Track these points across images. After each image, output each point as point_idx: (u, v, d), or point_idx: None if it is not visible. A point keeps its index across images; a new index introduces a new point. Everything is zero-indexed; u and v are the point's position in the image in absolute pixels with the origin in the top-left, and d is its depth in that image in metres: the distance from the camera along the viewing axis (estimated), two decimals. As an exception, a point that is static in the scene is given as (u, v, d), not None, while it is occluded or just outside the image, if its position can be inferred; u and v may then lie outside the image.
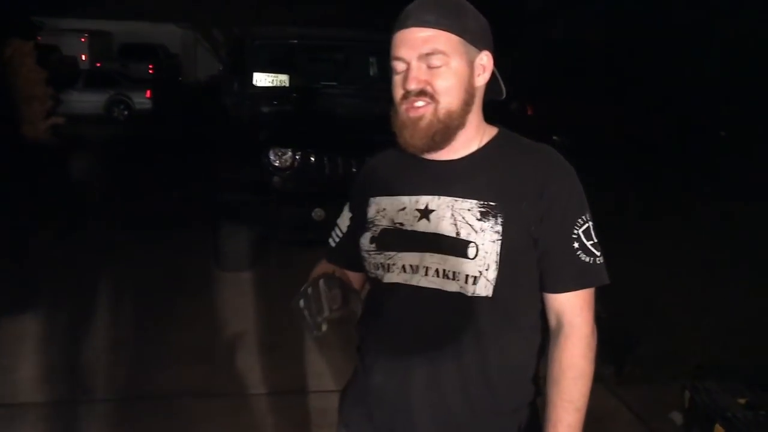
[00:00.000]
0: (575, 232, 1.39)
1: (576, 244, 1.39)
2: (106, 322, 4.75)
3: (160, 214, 7.46)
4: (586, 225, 1.41)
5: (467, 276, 1.36)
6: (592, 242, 1.41)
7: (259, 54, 6.37)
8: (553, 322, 1.42)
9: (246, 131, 6.12)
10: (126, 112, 18.16)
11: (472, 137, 1.44)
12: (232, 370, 4.11)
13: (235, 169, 5.87)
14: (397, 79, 1.40)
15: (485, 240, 1.35)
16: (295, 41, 6.79)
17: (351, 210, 1.58)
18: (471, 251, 1.36)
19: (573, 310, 1.40)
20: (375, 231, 1.46)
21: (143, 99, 18.36)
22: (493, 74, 1.45)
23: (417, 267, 1.40)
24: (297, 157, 5.34)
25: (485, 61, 1.42)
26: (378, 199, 1.49)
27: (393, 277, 1.43)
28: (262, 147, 5.40)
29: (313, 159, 5.36)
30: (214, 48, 25.98)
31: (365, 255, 1.48)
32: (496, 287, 1.36)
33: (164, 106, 18.98)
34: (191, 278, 5.60)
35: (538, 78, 14.62)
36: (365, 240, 1.48)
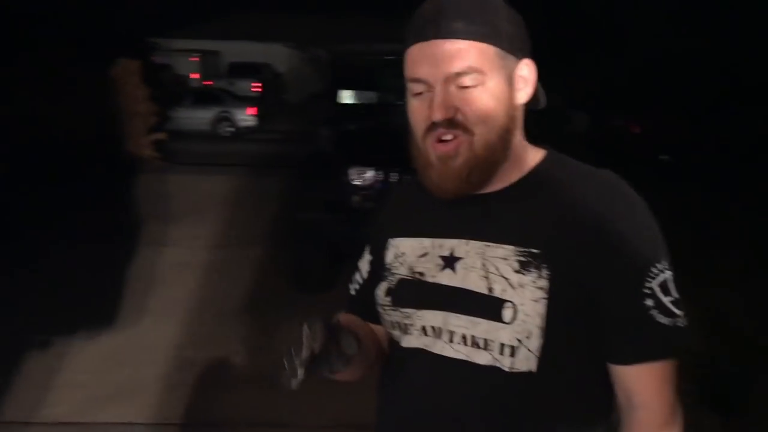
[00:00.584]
0: (648, 285, 1.06)
1: (649, 302, 1.06)
2: (178, 341, 4.70)
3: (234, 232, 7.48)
4: (663, 276, 1.08)
5: (503, 345, 1.07)
6: (671, 298, 1.08)
7: (343, 71, 6.31)
8: (622, 400, 1.12)
9: (328, 149, 6.04)
10: (230, 129, 18.68)
11: (512, 166, 1.14)
12: (300, 399, 3.94)
13: (315, 187, 5.78)
14: (417, 106, 1.10)
15: (525, 299, 1.06)
16: (380, 58, 6.70)
17: (371, 252, 1.31)
18: (507, 314, 1.06)
19: (647, 389, 1.09)
20: (392, 281, 1.20)
21: (248, 116, 18.85)
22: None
23: (440, 330, 1.12)
24: (377, 176, 5.24)
25: (526, 72, 1.12)
26: (397, 241, 1.22)
27: (412, 340, 1.16)
28: (342, 165, 5.34)
29: (392, 178, 5.23)
30: (317, 66, 26.47)
31: (380, 310, 1.22)
32: (542, 360, 1.06)
33: (267, 122, 19.50)
34: (266, 299, 5.51)
35: (643, 93, 13.86)
36: (380, 292, 1.21)
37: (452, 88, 1.06)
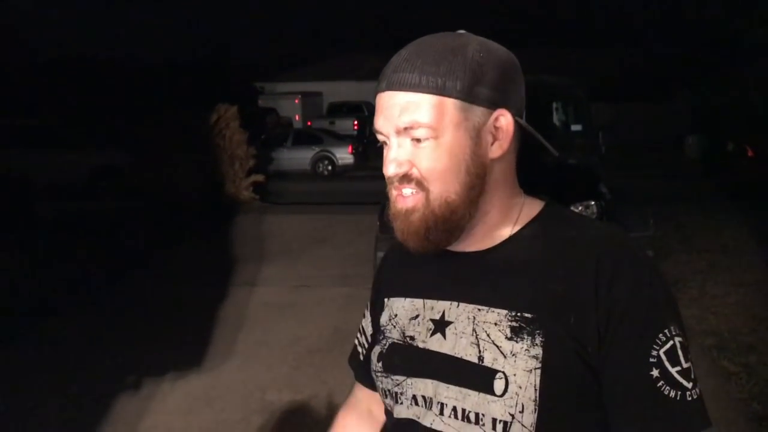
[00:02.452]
0: (654, 353, 0.94)
1: (655, 372, 0.94)
2: (262, 383, 4.68)
3: (325, 272, 7.45)
4: (671, 342, 0.95)
5: (495, 421, 0.97)
6: (679, 368, 0.95)
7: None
8: None
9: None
10: (330, 168, 19.04)
11: (500, 221, 1.05)
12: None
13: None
14: (384, 157, 1.04)
15: (518, 369, 0.96)
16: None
17: (370, 312, 1.24)
18: (498, 385, 0.96)
19: None
20: (384, 345, 1.12)
21: (346, 154, 19.16)
22: (527, 133, 1.03)
23: (430, 401, 1.03)
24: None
25: (501, 122, 1.00)
26: (392, 301, 1.14)
27: (403, 410, 1.07)
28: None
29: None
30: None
31: (374, 376, 1.13)
32: None
33: (367, 160, 19.77)
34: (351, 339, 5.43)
35: (758, 116, 13.17)
36: (374, 356, 1.13)
37: (407, 142, 1.00)
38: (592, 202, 5.27)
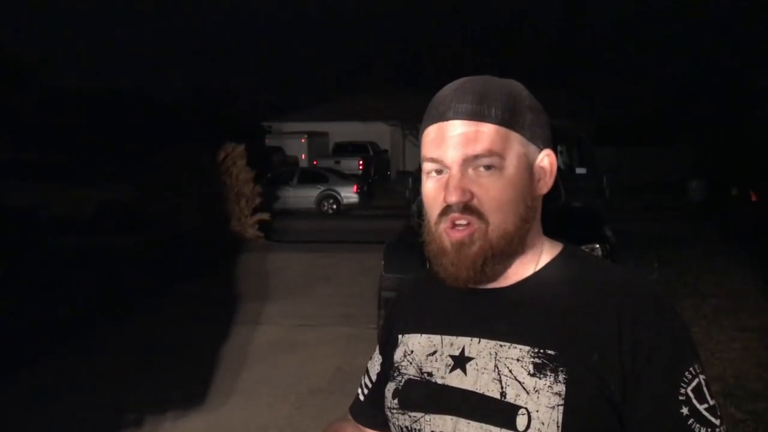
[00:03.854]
0: (682, 391, 0.96)
1: (685, 410, 0.96)
2: (263, 422, 4.65)
3: (327, 310, 7.43)
4: (697, 380, 0.98)
5: None
6: (706, 405, 0.97)
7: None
8: None
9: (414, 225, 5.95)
10: (334, 206, 19.12)
11: (527, 259, 1.07)
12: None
13: (400, 265, 5.67)
14: (431, 188, 1.04)
15: (541, 405, 0.96)
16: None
17: (380, 351, 1.23)
18: (521, 421, 0.97)
19: None
20: (399, 382, 1.11)
21: (351, 193, 19.26)
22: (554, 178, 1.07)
23: None
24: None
25: (547, 162, 1.06)
26: (407, 337, 1.14)
27: None
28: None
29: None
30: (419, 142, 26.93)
31: (388, 414, 1.12)
32: None
33: (372, 199, 19.86)
34: (353, 378, 5.39)
35: (762, 161, 13.20)
36: (388, 393, 1.12)
37: (469, 171, 1.01)
38: (597, 246, 5.26)
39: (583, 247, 5.17)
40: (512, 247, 1.03)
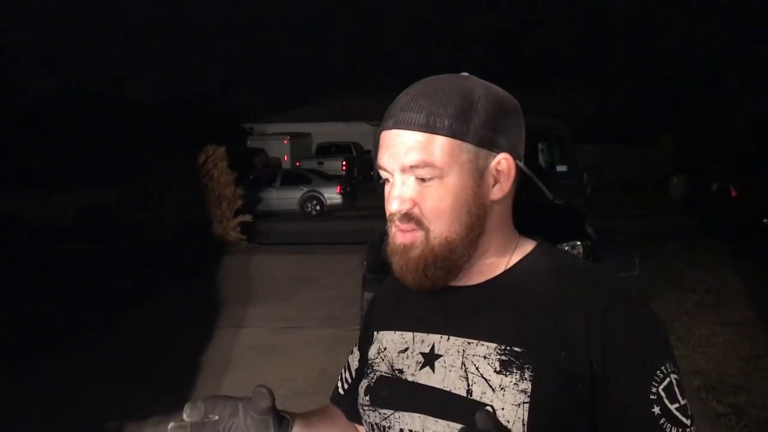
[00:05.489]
0: (653, 390, 0.95)
1: (656, 409, 0.94)
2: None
3: (312, 312, 7.40)
4: (668, 379, 0.96)
5: None
6: (677, 405, 0.96)
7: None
8: None
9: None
10: (318, 208, 19.06)
11: (495, 259, 1.06)
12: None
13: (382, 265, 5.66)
14: (385, 193, 1.05)
15: (506, 402, 0.95)
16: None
17: (359, 347, 1.23)
18: None
19: None
20: (371, 379, 1.11)
21: (334, 194, 19.21)
22: (525, 176, 1.06)
23: None
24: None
25: (504, 166, 1.03)
26: (381, 334, 1.14)
27: None
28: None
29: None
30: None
31: (360, 410, 1.12)
32: None
33: (355, 199, 19.84)
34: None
35: (742, 156, 13.34)
36: (361, 390, 1.13)
37: (411, 180, 1.01)
38: (578, 243, 5.28)
39: (564, 245, 5.18)
40: (456, 254, 1.01)
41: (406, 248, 1.02)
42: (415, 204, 1.00)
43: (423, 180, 1.00)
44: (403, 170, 1.00)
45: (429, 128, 0.99)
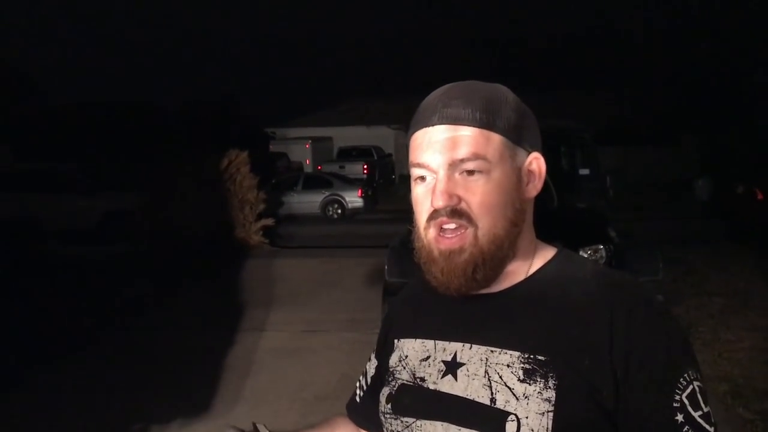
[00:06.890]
0: (677, 398, 0.95)
1: (680, 417, 0.95)
2: (274, 429, 4.62)
3: (334, 316, 7.41)
4: (691, 387, 0.97)
5: None
6: (701, 413, 0.96)
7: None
8: None
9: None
10: (339, 211, 19.11)
11: (519, 264, 1.06)
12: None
13: (403, 268, 5.64)
14: (419, 193, 1.03)
15: (530, 411, 0.95)
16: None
17: (377, 355, 1.23)
18: (510, 428, 0.96)
19: None
20: (393, 387, 1.11)
21: (355, 198, 19.25)
22: (544, 180, 1.07)
23: None
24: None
25: (535, 166, 1.05)
26: (402, 342, 1.14)
27: None
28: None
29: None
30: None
31: (381, 418, 1.12)
32: None
33: (376, 203, 19.86)
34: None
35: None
36: (383, 397, 1.13)
37: (456, 176, 1.00)
38: (601, 246, 5.24)
39: (587, 248, 5.13)
40: (503, 252, 1.01)
41: (453, 253, 1.00)
42: (461, 199, 0.99)
43: (470, 174, 0.99)
44: (452, 164, 0.99)
45: (476, 123, 1.00)
